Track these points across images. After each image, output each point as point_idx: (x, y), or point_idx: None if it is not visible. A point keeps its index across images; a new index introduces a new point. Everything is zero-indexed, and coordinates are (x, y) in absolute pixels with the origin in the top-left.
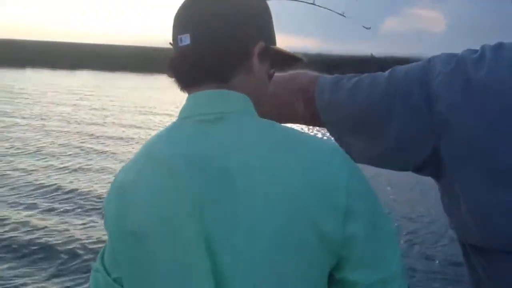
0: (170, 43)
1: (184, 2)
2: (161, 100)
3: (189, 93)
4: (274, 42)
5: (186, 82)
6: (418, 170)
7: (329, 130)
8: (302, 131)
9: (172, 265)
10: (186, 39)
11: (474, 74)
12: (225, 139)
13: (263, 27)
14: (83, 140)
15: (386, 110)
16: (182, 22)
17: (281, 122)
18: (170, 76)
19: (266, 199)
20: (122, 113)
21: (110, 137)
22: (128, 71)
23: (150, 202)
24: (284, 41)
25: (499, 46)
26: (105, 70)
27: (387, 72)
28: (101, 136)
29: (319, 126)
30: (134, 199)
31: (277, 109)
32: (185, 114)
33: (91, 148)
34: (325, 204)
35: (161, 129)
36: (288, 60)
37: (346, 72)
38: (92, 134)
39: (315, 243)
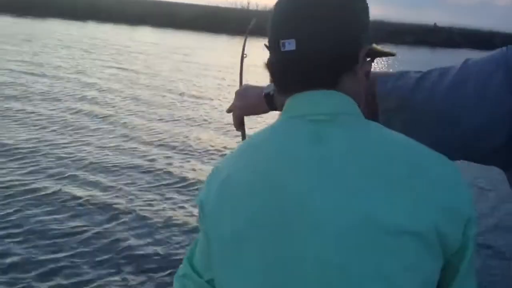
0: (265, 45)
1: (283, 1)
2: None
3: (289, 94)
4: (371, 41)
5: (290, 86)
6: (485, 159)
7: (383, 120)
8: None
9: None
10: (291, 44)
11: None
12: (343, 141)
13: (367, 29)
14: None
15: (460, 97)
16: (284, 25)
17: None
18: (271, 80)
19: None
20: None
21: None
22: (189, 29)
23: (260, 202)
24: None
25: None
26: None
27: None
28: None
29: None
30: (240, 198)
31: None
32: (295, 113)
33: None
34: (451, 216)
35: (267, 126)
36: (382, 55)
37: (408, 39)
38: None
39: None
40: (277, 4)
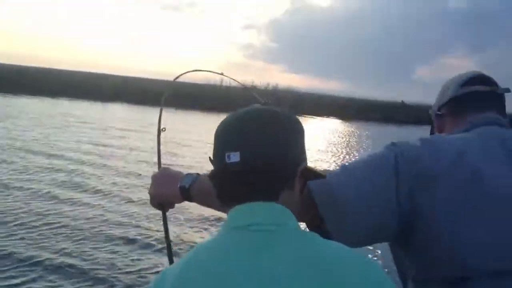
0: (209, 158)
1: (229, 118)
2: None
3: (231, 206)
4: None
5: (232, 197)
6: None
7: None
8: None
9: None
10: (235, 157)
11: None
12: (283, 252)
13: (304, 147)
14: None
15: (357, 199)
16: (229, 139)
17: None
18: (214, 189)
19: None
20: None
21: None
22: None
23: None
24: (311, 84)
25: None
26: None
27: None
28: None
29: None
30: None
31: None
32: (237, 224)
33: None
34: None
35: (208, 238)
36: (315, 175)
37: (376, 116)
38: None
39: None
40: (224, 120)
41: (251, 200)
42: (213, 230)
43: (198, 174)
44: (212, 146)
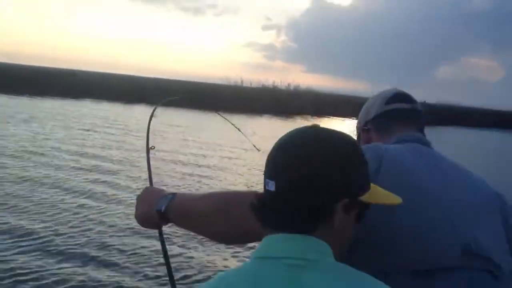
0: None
1: (277, 143)
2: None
3: (266, 233)
4: (366, 189)
5: (268, 224)
6: None
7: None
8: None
9: None
10: (272, 186)
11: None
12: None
13: (350, 180)
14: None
15: None
16: (270, 166)
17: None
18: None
19: None
20: None
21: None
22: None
23: None
24: (332, 83)
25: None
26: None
27: None
28: None
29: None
30: None
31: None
32: (269, 254)
33: None
34: None
35: (235, 268)
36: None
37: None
38: None
39: None
40: (275, 144)
41: (286, 230)
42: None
43: (173, 194)
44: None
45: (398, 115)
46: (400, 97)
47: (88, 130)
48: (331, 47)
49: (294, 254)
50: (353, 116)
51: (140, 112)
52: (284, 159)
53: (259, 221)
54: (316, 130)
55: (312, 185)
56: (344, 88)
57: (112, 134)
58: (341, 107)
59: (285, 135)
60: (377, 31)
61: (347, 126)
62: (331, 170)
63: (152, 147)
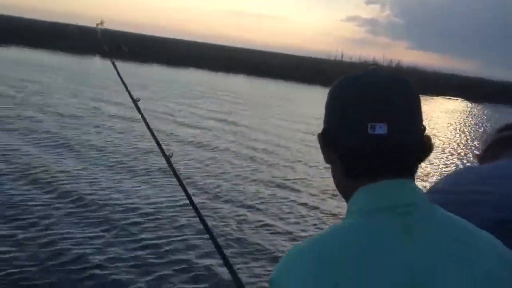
0: (328, 127)
1: (360, 84)
2: None
3: (361, 184)
4: None
5: (370, 173)
6: None
7: None
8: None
9: None
10: (381, 129)
11: None
12: (432, 233)
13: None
14: None
15: None
16: (373, 108)
17: None
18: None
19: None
20: None
21: None
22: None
23: None
24: (437, 61)
25: None
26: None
27: None
28: None
29: None
30: None
31: None
32: (381, 205)
33: None
34: None
35: (334, 226)
36: None
37: (504, 100)
38: None
39: None
40: (350, 85)
41: (389, 177)
42: None
43: None
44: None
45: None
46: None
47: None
48: (438, 23)
49: (405, 200)
50: (459, 96)
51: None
52: (396, 99)
53: (352, 172)
54: (380, 68)
55: (419, 125)
56: (450, 66)
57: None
58: (447, 86)
59: (365, 77)
60: (489, 8)
61: (452, 105)
62: (421, 107)
63: (138, 99)
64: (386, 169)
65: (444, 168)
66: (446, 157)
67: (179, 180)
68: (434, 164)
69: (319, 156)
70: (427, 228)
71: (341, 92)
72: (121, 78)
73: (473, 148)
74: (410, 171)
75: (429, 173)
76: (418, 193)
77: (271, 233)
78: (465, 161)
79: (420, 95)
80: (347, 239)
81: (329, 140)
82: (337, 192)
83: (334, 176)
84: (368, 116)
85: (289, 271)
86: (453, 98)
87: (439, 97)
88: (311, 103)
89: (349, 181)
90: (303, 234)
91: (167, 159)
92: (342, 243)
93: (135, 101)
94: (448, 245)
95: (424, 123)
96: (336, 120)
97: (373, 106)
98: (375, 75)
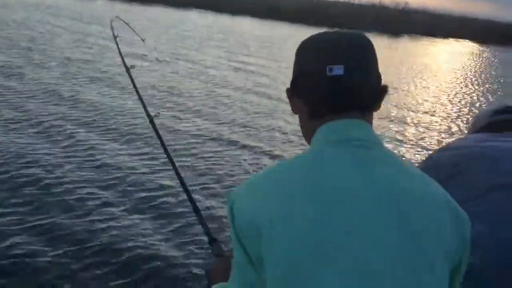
0: (297, 73)
1: (322, 36)
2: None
3: (323, 121)
4: None
5: (329, 110)
6: None
7: None
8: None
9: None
10: (338, 70)
11: None
12: (386, 166)
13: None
14: None
15: None
16: (331, 53)
17: None
18: (305, 101)
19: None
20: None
21: None
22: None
23: (307, 232)
24: (449, 2)
25: None
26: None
27: None
28: None
29: None
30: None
31: None
32: (338, 137)
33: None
34: (459, 234)
35: (298, 154)
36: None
37: None
38: None
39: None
40: (315, 38)
41: (347, 115)
42: None
43: None
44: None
45: (504, 126)
46: (507, 109)
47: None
48: None
49: (359, 136)
50: (469, 38)
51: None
52: (352, 45)
53: (315, 110)
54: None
55: (375, 69)
56: (460, 8)
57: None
58: (456, 27)
59: (328, 32)
60: None
61: (463, 47)
62: (376, 57)
63: (132, 67)
64: (344, 109)
65: (445, 117)
66: (449, 101)
67: (160, 138)
68: (437, 111)
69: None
70: (375, 163)
71: (303, 46)
72: (117, 44)
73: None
74: (366, 112)
75: (432, 121)
76: (371, 132)
77: None
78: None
79: (428, 37)
80: (301, 165)
81: (294, 89)
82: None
83: (301, 125)
84: (326, 59)
85: (245, 190)
86: (463, 40)
87: (449, 39)
88: None
89: (313, 123)
90: None
91: (151, 119)
92: (295, 167)
93: (128, 69)
94: (390, 181)
95: (379, 71)
96: (299, 69)
97: (330, 51)
98: (334, 32)
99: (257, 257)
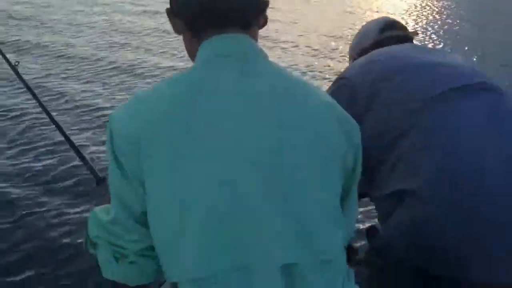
0: None
1: None
2: None
3: (205, 37)
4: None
5: (208, 26)
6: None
7: None
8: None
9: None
10: None
11: None
12: (265, 77)
13: None
14: None
15: None
16: None
17: None
18: (183, 17)
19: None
20: None
21: None
22: None
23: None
24: None
25: None
26: None
27: None
28: None
29: None
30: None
31: None
32: (220, 52)
33: None
34: (347, 140)
35: (180, 72)
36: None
37: None
38: None
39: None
40: None
41: (230, 31)
42: None
43: None
44: None
45: (392, 42)
46: (393, 24)
47: None
48: None
49: (243, 49)
50: None
51: None
52: None
53: (195, 26)
54: None
55: None
56: None
57: None
58: None
59: None
60: None
61: None
62: None
63: (17, 63)
64: (225, 24)
65: None
66: None
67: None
68: None
69: None
70: (260, 74)
71: None
72: None
73: None
74: (247, 26)
75: None
76: (255, 45)
77: None
78: None
79: None
80: (185, 79)
81: (173, 10)
82: None
83: (186, 46)
84: None
85: (123, 109)
86: None
87: None
88: None
89: (196, 41)
90: None
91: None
92: (179, 82)
93: (13, 67)
94: (276, 89)
95: None
96: None
97: None
98: None
99: (134, 175)
